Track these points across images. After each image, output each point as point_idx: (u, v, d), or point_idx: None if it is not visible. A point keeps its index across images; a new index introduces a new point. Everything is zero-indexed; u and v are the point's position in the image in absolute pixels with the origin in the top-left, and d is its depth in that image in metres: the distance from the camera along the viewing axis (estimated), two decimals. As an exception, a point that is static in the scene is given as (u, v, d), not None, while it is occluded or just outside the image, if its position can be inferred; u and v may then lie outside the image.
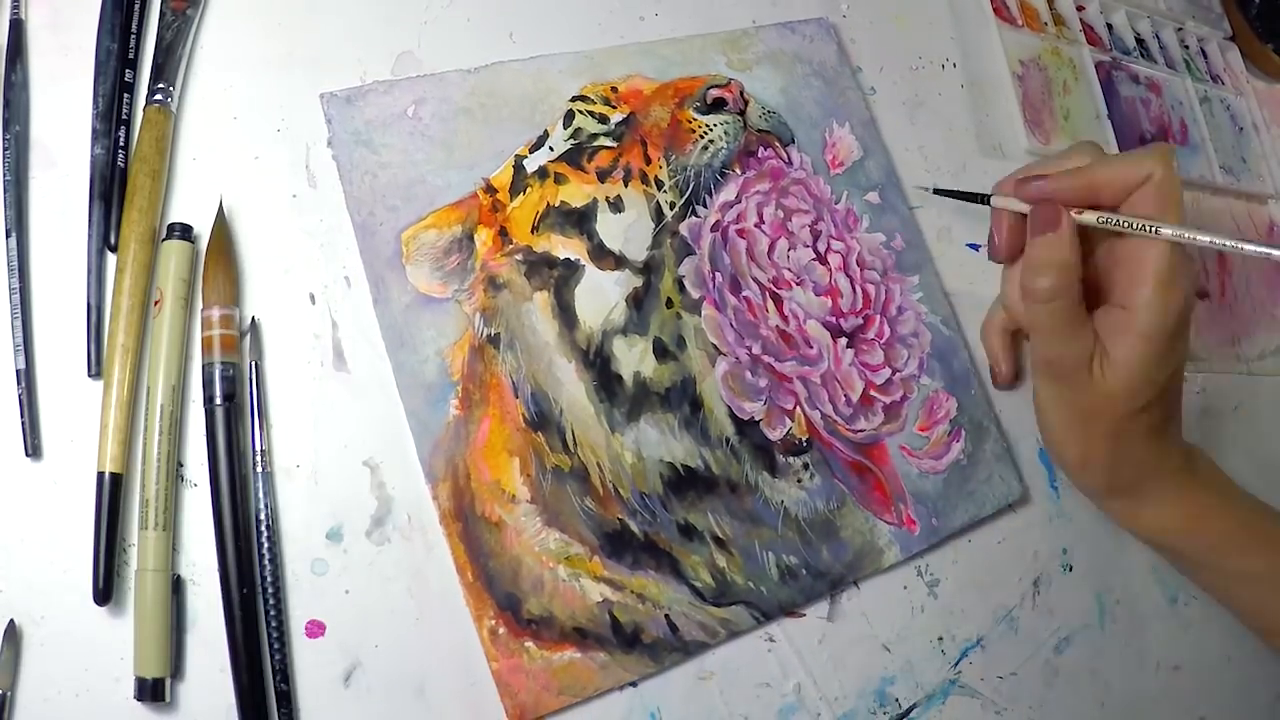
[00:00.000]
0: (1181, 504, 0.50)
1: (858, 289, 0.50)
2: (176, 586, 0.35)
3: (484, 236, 0.43)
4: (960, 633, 0.49)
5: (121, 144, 0.38)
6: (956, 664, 0.48)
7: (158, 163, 0.38)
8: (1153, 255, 0.44)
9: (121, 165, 0.38)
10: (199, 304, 0.38)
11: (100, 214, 0.38)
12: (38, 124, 0.38)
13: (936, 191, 0.52)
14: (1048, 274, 0.44)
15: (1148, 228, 0.44)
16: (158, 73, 0.39)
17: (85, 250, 0.37)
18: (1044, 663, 0.50)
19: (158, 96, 0.39)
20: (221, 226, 0.39)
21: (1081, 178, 0.45)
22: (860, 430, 0.48)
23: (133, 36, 0.40)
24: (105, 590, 0.34)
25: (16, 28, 0.39)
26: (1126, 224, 0.44)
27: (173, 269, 0.37)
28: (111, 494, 0.34)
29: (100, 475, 0.35)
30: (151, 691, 0.34)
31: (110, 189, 0.38)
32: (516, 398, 0.42)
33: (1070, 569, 0.53)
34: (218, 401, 0.36)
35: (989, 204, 0.49)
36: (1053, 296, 0.44)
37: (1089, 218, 0.45)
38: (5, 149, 0.37)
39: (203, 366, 0.37)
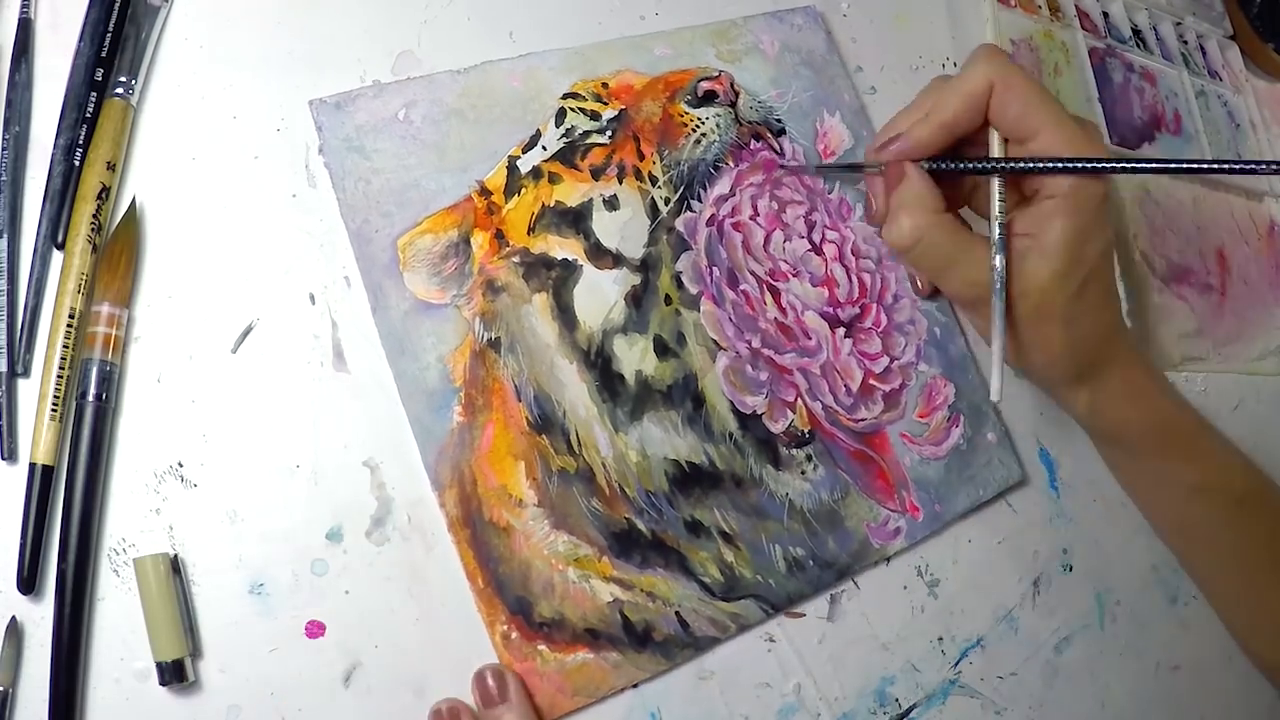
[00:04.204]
0: (1132, 392, 0.50)
1: (853, 278, 0.50)
2: (175, 567, 0.36)
3: (480, 240, 0.43)
4: (960, 633, 0.49)
5: (81, 141, 0.38)
6: (956, 664, 0.48)
7: (114, 155, 0.38)
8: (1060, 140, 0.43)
9: (78, 164, 0.38)
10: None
11: (52, 211, 0.37)
12: (39, 124, 0.38)
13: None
14: (903, 217, 0.44)
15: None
16: (123, 66, 0.39)
17: (33, 247, 0.37)
18: (1044, 663, 0.50)
19: (119, 90, 0.39)
20: (128, 226, 0.38)
21: (930, 123, 0.45)
22: (861, 419, 0.48)
23: (108, 35, 0.39)
24: (30, 580, 0.34)
25: (25, 27, 0.39)
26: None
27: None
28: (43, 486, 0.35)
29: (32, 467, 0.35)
30: (173, 673, 0.34)
31: (65, 186, 0.37)
32: (519, 401, 0.42)
33: (1070, 569, 0.53)
34: (89, 399, 0.36)
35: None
36: (916, 235, 0.44)
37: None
38: (3, 149, 0.37)
39: (82, 361, 0.36)
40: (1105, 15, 0.69)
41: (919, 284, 0.51)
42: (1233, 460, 0.53)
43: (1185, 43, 0.73)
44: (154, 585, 0.34)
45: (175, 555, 0.36)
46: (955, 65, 0.60)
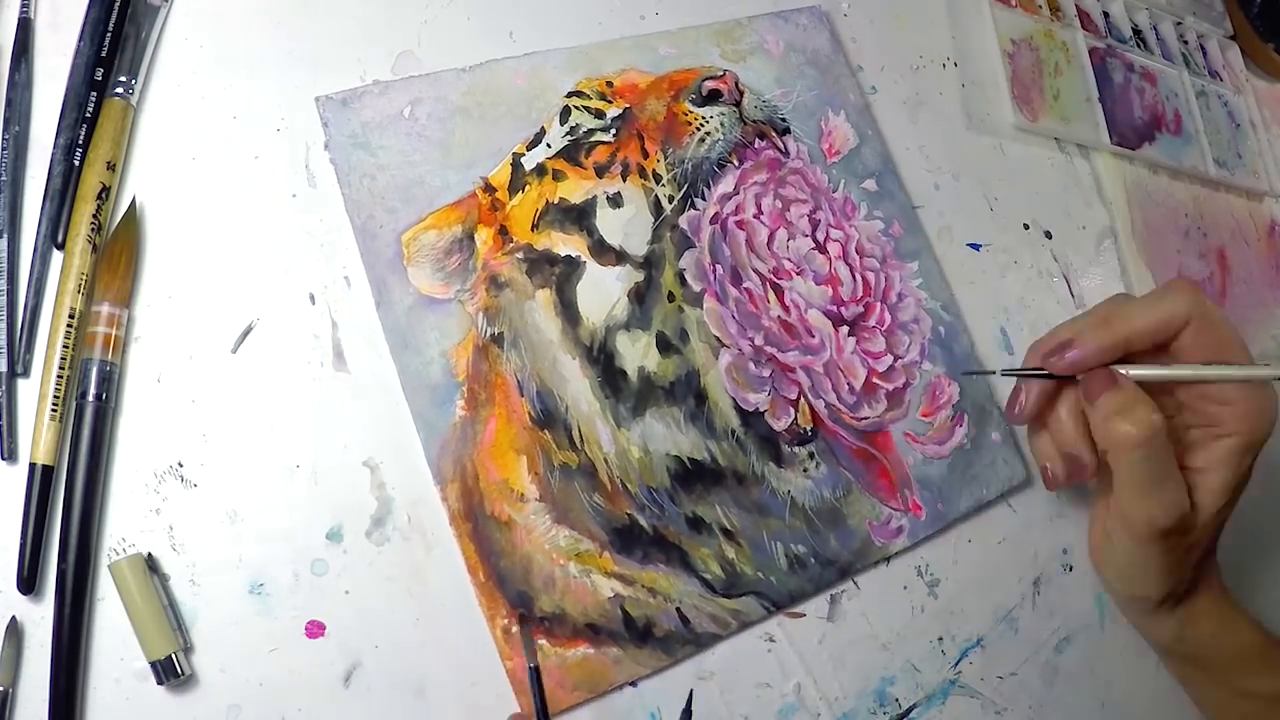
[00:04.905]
0: (1219, 611, 0.49)
1: (858, 277, 0.50)
2: (151, 565, 0.35)
3: (484, 236, 0.43)
4: (960, 633, 0.49)
5: (81, 141, 0.38)
6: (956, 664, 0.48)
7: (114, 155, 0.38)
8: (1231, 397, 0.44)
9: (78, 164, 0.37)
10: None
11: (52, 211, 0.37)
12: (39, 124, 0.38)
13: (1004, 373, 0.48)
14: (1130, 416, 0.42)
15: (1213, 375, 0.43)
16: (123, 65, 0.39)
17: (33, 247, 0.37)
18: (1044, 663, 0.50)
19: (118, 89, 0.39)
20: (128, 226, 0.38)
21: (1111, 333, 0.44)
22: (864, 418, 0.48)
23: (108, 35, 0.39)
24: (30, 580, 0.34)
25: (24, 27, 0.39)
26: (1192, 377, 0.44)
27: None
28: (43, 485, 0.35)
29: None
30: (166, 671, 0.34)
31: (65, 186, 0.37)
32: (522, 396, 0.42)
33: (1070, 569, 0.53)
34: (89, 399, 0.36)
35: (1055, 376, 0.45)
36: (1145, 434, 0.42)
37: (1146, 373, 0.44)
38: (3, 149, 0.37)
39: (82, 361, 0.36)
40: (1106, 15, 0.69)
41: (1052, 474, 0.47)
42: None
43: (1185, 43, 0.73)
44: (134, 587, 0.34)
45: (149, 554, 0.36)
46: (955, 65, 0.60)
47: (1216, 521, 0.46)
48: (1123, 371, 0.43)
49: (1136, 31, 0.70)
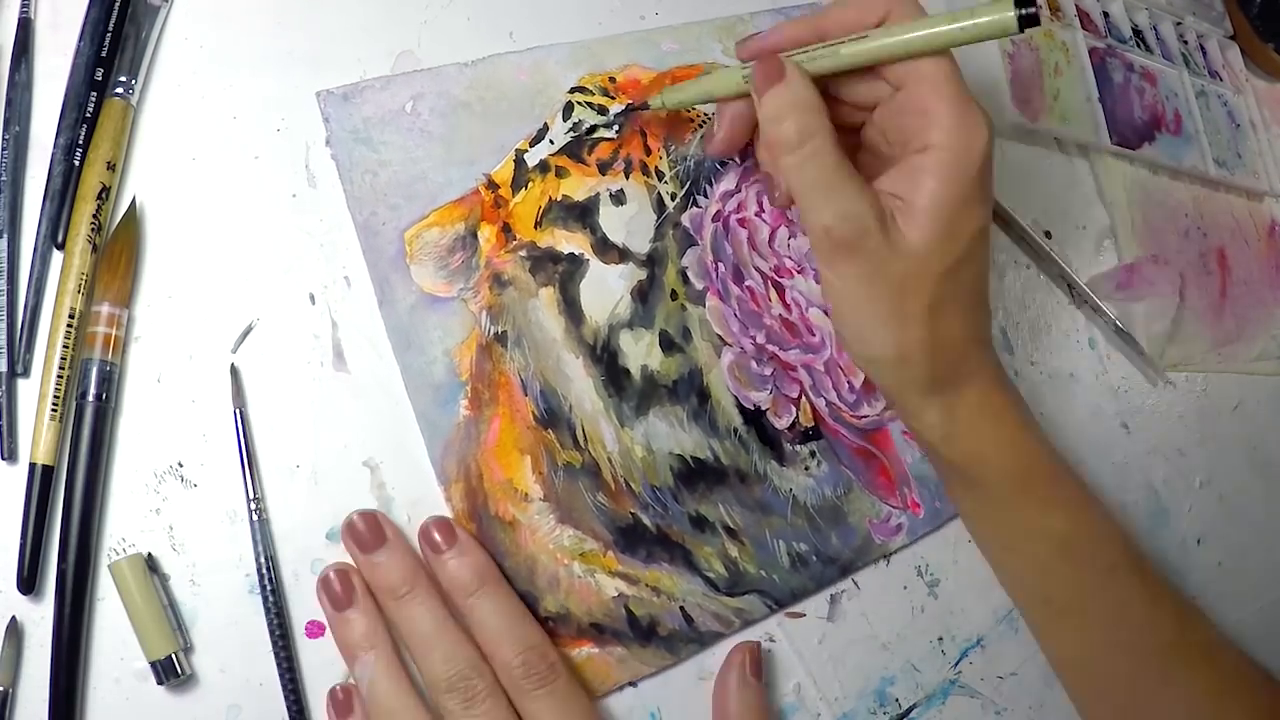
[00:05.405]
0: (992, 413, 0.43)
1: (858, 274, 0.50)
2: (151, 565, 0.35)
3: (487, 233, 0.43)
4: (960, 633, 0.49)
5: (81, 141, 0.38)
6: (956, 664, 0.48)
7: (114, 155, 0.38)
8: (935, 78, 0.38)
9: (78, 164, 0.37)
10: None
11: (52, 211, 0.37)
12: (39, 124, 0.38)
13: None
14: (788, 117, 0.38)
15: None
16: (123, 65, 0.39)
17: (33, 247, 0.37)
18: (1044, 663, 0.50)
19: (119, 90, 0.39)
20: (128, 226, 0.38)
21: (805, 24, 0.40)
22: (864, 416, 0.48)
23: (108, 35, 0.39)
24: (30, 580, 0.34)
25: (25, 27, 0.38)
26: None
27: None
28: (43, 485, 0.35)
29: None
30: (166, 671, 0.34)
31: (65, 186, 0.37)
32: (526, 395, 0.42)
33: (1070, 568, 0.53)
34: (89, 399, 0.35)
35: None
36: (802, 138, 0.38)
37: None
38: (3, 149, 0.37)
39: (82, 361, 0.36)
40: (1105, 15, 0.69)
41: (778, 192, 0.42)
42: (1109, 522, 0.46)
43: (1185, 43, 0.73)
44: (134, 587, 0.34)
45: (149, 554, 0.36)
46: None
47: (938, 264, 0.39)
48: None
49: (1136, 31, 0.70)
